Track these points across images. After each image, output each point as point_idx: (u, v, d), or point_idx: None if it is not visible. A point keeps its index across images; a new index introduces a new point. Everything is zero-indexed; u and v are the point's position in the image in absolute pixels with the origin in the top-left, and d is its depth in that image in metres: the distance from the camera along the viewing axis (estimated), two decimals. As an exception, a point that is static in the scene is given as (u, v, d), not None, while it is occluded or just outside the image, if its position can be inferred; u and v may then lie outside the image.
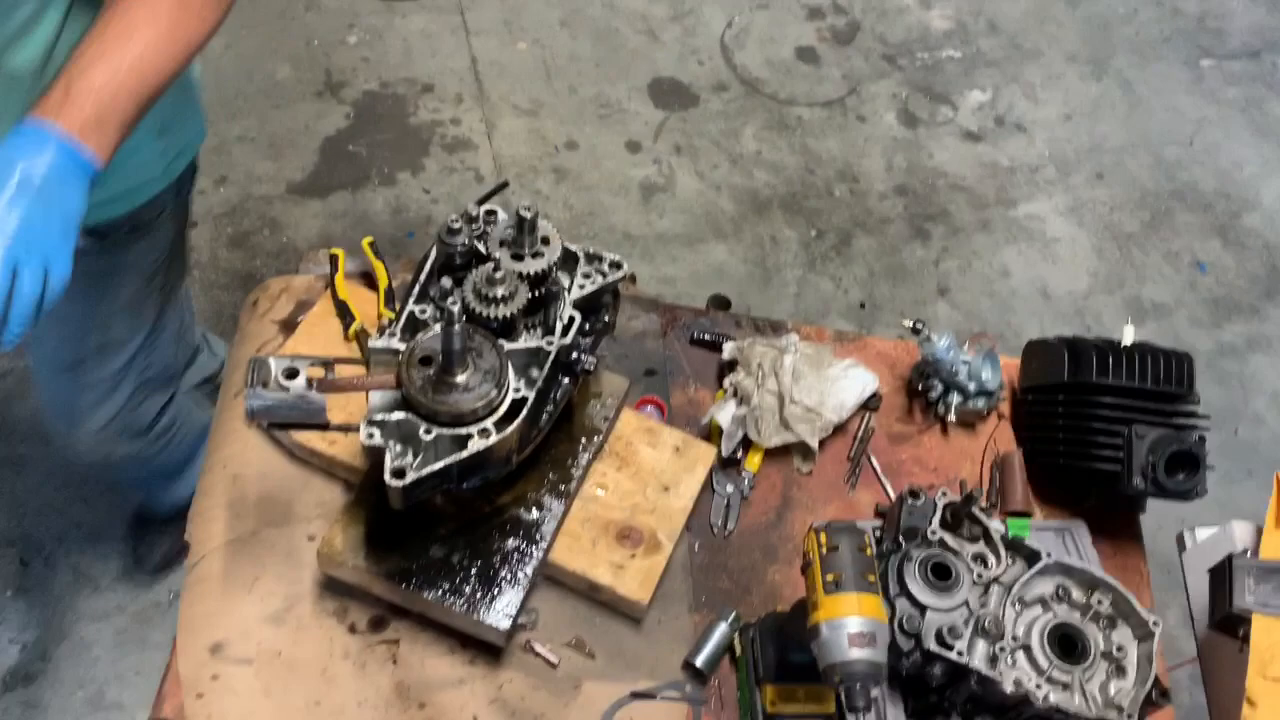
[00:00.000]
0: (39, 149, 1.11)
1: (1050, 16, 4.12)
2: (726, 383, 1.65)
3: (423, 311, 1.31)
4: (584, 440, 1.52)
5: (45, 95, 1.15)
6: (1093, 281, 3.38)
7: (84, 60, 1.16)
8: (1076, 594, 1.34)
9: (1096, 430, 1.55)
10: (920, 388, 1.69)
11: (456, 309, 1.16)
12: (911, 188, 3.54)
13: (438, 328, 1.27)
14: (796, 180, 3.53)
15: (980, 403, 1.66)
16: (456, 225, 1.33)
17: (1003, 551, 1.41)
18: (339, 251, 1.65)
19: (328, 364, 1.22)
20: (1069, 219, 3.52)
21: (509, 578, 1.37)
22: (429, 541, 1.38)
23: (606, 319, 1.46)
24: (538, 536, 1.41)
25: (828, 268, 3.33)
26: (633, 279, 1.46)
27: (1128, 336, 1.63)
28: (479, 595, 1.35)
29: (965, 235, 3.44)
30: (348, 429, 1.25)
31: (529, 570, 1.38)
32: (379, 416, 1.22)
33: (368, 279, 1.67)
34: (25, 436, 2.65)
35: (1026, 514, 1.62)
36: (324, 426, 1.22)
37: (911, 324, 1.62)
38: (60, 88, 1.14)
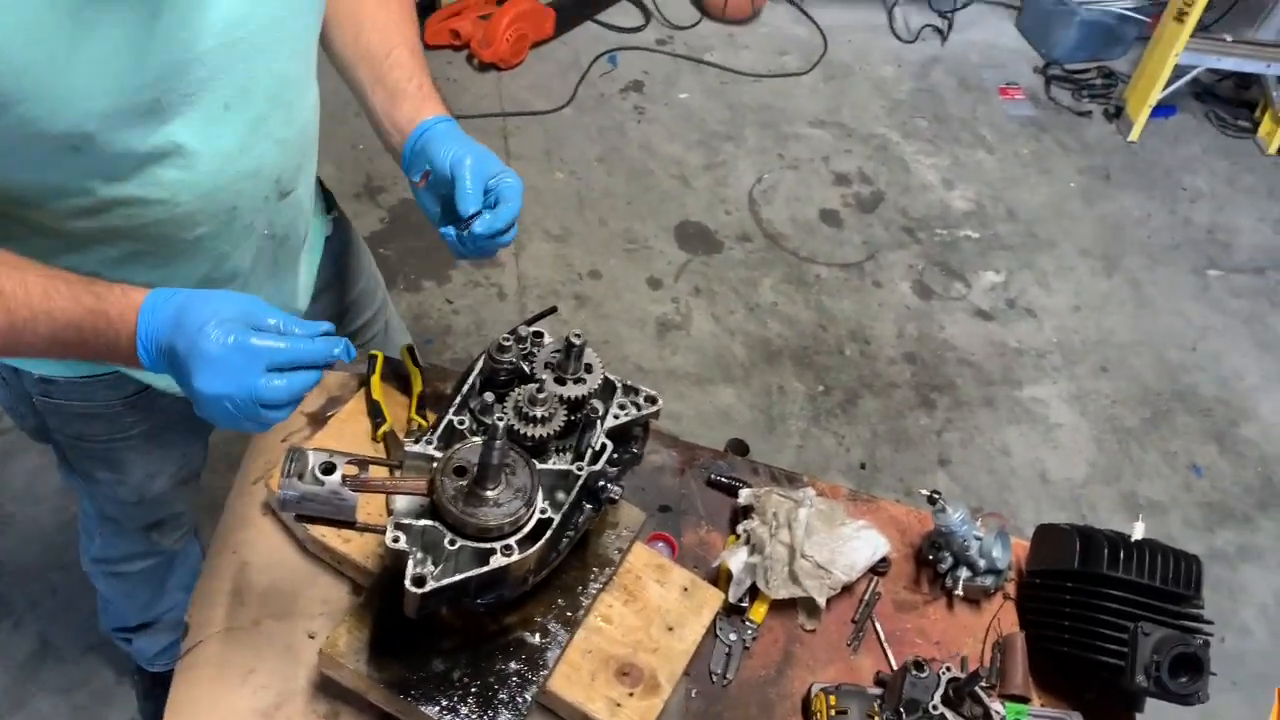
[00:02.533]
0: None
1: (1066, 211, 4.29)
2: (740, 528, 1.66)
3: (461, 422, 1.33)
4: (595, 569, 1.51)
5: (405, 98, 1.43)
6: (1091, 471, 3.41)
7: (398, 58, 1.45)
8: (1077, 789, 1.32)
9: (1103, 622, 1.55)
10: (930, 558, 1.70)
11: (503, 424, 1.18)
12: (920, 356, 3.61)
13: (476, 439, 1.28)
14: (809, 335, 3.60)
15: (988, 580, 1.67)
16: (507, 343, 1.36)
17: (1003, 735, 1.40)
18: (379, 353, 1.67)
19: (362, 463, 1.23)
20: (1072, 407, 3.58)
21: (507, 701, 1.35)
22: (432, 655, 1.36)
23: (635, 450, 1.48)
24: (540, 662, 1.39)
25: (832, 424, 3.36)
26: (657, 414, 1.49)
27: (1138, 532, 1.65)
28: (474, 716, 1.33)
29: (970, 409, 3.49)
30: (373, 529, 1.25)
31: (528, 696, 1.36)
32: (405, 521, 1.22)
33: (400, 381, 1.69)
34: (17, 495, 2.62)
35: (1025, 699, 1.61)
36: (351, 525, 1.22)
37: (928, 494, 1.64)
38: (415, 86, 1.44)
